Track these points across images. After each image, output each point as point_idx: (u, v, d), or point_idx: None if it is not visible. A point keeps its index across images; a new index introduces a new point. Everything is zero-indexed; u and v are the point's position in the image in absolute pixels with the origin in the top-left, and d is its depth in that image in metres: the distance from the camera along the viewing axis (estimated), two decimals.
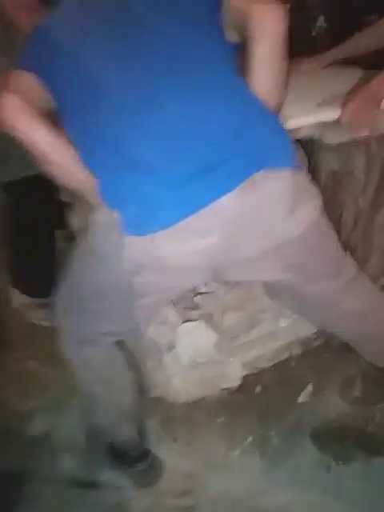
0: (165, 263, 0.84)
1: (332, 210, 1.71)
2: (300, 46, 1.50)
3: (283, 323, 1.43)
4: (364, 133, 1.24)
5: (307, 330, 1.45)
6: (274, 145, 0.84)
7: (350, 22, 1.59)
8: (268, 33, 0.80)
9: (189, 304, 1.38)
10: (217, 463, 1.27)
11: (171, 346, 1.33)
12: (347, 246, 1.70)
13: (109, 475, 1.23)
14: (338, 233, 1.70)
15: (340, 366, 1.46)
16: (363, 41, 1.36)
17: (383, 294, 1.19)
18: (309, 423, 1.32)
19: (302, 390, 1.40)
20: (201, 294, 1.47)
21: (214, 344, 1.34)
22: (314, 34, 1.72)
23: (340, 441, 1.26)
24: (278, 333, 1.43)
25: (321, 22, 1.70)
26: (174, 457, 1.29)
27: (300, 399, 1.39)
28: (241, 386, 1.45)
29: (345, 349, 1.49)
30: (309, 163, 1.79)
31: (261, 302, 1.44)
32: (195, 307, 1.40)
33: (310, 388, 1.41)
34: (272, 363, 1.45)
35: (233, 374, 1.37)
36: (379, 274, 1.64)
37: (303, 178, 0.90)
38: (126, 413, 1.15)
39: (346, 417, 1.32)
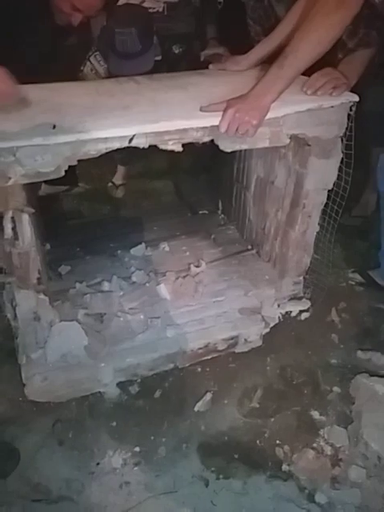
0: None
1: (259, 219, 1.68)
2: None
3: (170, 333, 1.38)
4: (245, 145, 1.19)
5: (194, 342, 1.41)
6: None
7: None
8: None
9: (80, 302, 1.32)
10: (99, 471, 1.22)
11: (41, 345, 1.27)
12: (270, 257, 1.66)
13: None
14: (263, 243, 1.68)
15: (244, 376, 1.43)
16: (283, 30, 1.29)
17: None
18: (200, 434, 1.29)
19: (201, 399, 1.36)
20: (94, 293, 1.41)
21: (84, 347, 1.28)
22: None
23: (226, 455, 1.24)
24: (161, 342, 1.38)
25: None
26: (56, 460, 1.24)
27: (196, 408, 1.35)
28: (141, 389, 1.40)
29: (252, 359, 1.48)
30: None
31: (157, 308, 1.39)
32: (85, 306, 1.34)
33: (208, 397, 1.37)
34: (153, 372, 1.40)
35: (105, 379, 1.32)
36: (294, 290, 1.62)
37: None
38: None
39: (238, 430, 1.30)
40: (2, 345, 1.48)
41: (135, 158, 2.34)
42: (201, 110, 1.12)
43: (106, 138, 1.07)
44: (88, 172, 2.40)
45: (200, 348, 1.43)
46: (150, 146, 1.14)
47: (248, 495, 1.13)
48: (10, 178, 1.05)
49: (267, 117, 1.14)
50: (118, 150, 1.12)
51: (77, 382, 1.31)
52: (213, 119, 1.12)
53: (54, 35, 1.61)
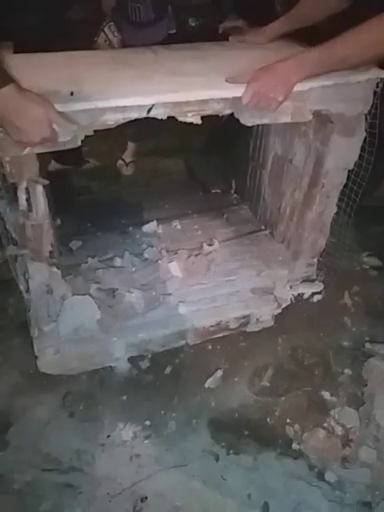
0: None
1: (274, 198, 1.65)
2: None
3: (181, 310, 1.37)
4: (266, 120, 1.14)
5: (205, 320, 1.40)
6: None
7: None
8: None
9: (92, 277, 1.31)
10: (110, 443, 1.23)
11: (54, 318, 1.27)
12: (284, 238, 1.64)
13: None
14: (277, 223, 1.66)
15: (255, 355, 1.43)
16: (307, 7, 1.24)
17: None
18: (210, 410, 1.30)
19: (212, 376, 1.36)
20: (106, 268, 1.39)
21: (96, 321, 1.28)
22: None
23: (236, 431, 1.24)
24: (173, 319, 1.37)
25: None
26: (66, 432, 1.25)
27: (207, 384, 1.35)
28: (151, 365, 1.41)
29: (263, 338, 1.47)
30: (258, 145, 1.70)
31: (169, 285, 1.37)
32: (97, 281, 1.32)
33: (219, 374, 1.37)
34: (164, 349, 1.40)
35: (116, 354, 1.32)
36: (307, 272, 1.60)
37: None
38: None
39: (248, 407, 1.30)
40: (15, 317, 1.48)
41: (146, 135, 2.29)
42: (226, 80, 1.08)
43: (125, 107, 1.04)
44: (98, 148, 2.36)
45: (211, 326, 1.42)
46: (164, 120, 1.10)
47: (258, 471, 1.14)
48: (26, 147, 1.02)
49: None
50: (135, 119, 1.08)
51: (88, 356, 1.31)
52: (235, 90, 1.08)
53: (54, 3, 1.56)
